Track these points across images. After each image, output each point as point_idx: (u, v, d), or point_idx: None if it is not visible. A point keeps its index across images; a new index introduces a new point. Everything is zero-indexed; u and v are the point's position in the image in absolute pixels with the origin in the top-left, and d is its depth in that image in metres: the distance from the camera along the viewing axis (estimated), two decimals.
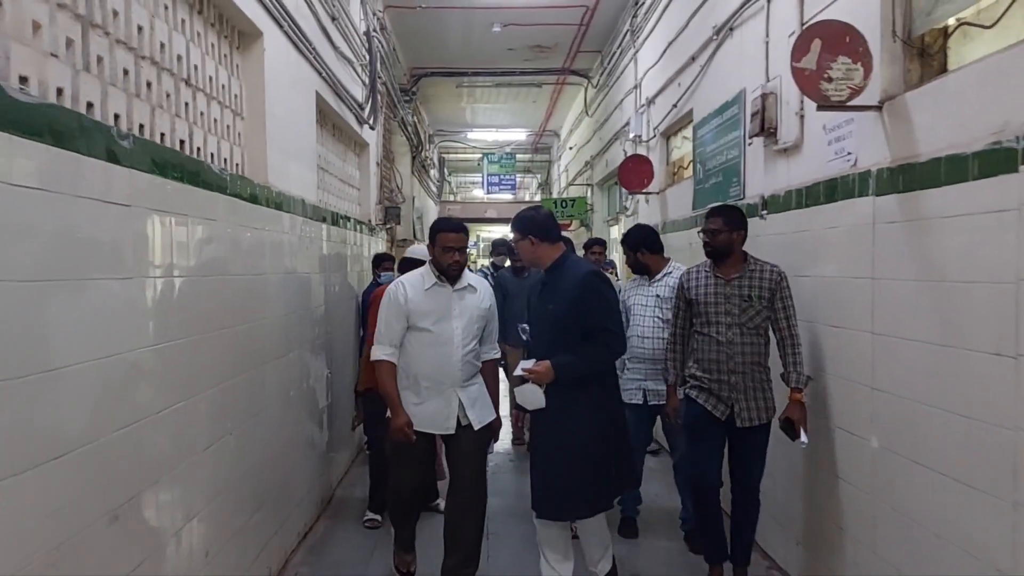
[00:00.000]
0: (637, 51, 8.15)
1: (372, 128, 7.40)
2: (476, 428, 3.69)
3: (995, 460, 2.43)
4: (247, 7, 3.67)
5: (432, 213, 16.39)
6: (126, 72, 2.67)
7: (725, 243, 3.67)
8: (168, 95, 3.01)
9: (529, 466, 3.61)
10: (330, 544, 4.59)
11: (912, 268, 2.89)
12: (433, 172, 16.92)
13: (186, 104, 3.18)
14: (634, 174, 7.12)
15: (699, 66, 5.75)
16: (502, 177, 18.79)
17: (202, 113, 3.35)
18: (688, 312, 3.84)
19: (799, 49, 3.11)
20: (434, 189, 17.30)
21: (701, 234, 3.74)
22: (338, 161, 6.49)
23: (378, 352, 3.64)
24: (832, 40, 3.10)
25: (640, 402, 4.51)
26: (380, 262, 5.77)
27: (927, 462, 2.81)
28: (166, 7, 3.00)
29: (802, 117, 3.87)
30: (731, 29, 5.02)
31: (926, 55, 3.12)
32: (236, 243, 3.44)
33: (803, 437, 3.45)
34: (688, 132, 6.42)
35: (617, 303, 3.67)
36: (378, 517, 4.88)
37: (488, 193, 19.27)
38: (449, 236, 3.62)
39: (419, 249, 4.84)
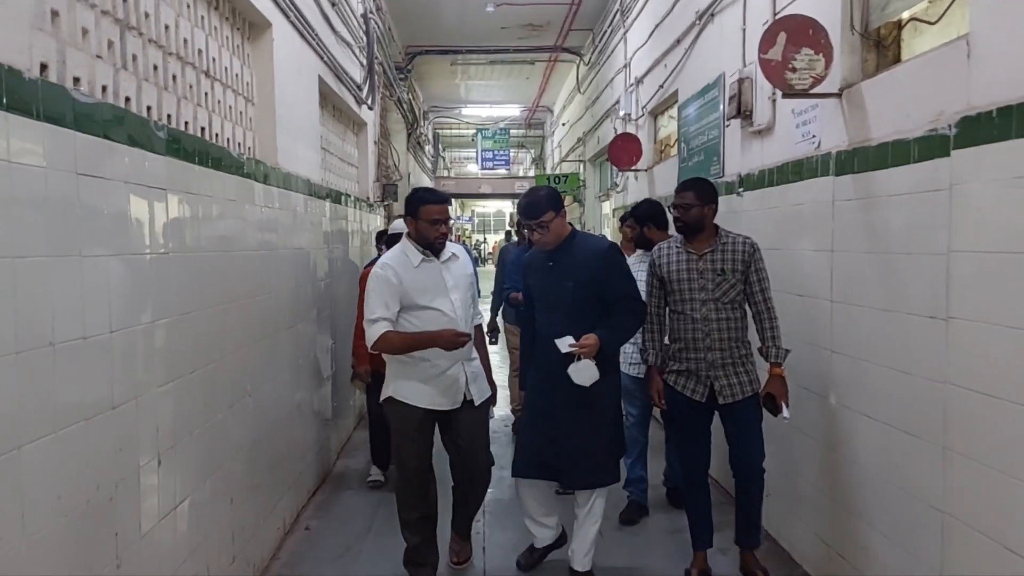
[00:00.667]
0: (627, 31, 8.41)
1: (370, 108, 7.67)
2: (477, 404, 3.64)
3: (929, 410, 2.77)
4: (257, 0, 3.94)
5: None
6: (156, 67, 2.96)
7: (697, 218, 3.59)
8: (191, 86, 3.29)
9: (523, 428, 3.81)
10: (337, 501, 4.93)
11: (864, 242, 3.22)
12: (428, 148, 17.16)
13: (205, 94, 3.47)
14: (623, 152, 7.41)
15: (683, 49, 6.03)
16: (496, 153, 19.02)
17: (219, 101, 3.64)
18: (662, 290, 3.74)
19: (766, 41, 3.41)
20: (429, 165, 17.54)
21: (672, 210, 3.71)
22: (338, 141, 6.78)
23: (376, 330, 3.36)
24: (797, 33, 3.40)
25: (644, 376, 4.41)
26: (382, 237, 6.05)
27: (875, 415, 3.16)
28: (188, 5, 3.28)
29: (774, 102, 4.18)
30: (712, 15, 5.30)
31: (882, 47, 3.43)
32: (252, 221, 3.74)
33: (785, 412, 3.44)
34: (674, 112, 6.71)
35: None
36: (380, 478, 5.15)
37: (483, 168, 19.52)
38: (434, 208, 3.46)
39: (402, 225, 4.89)
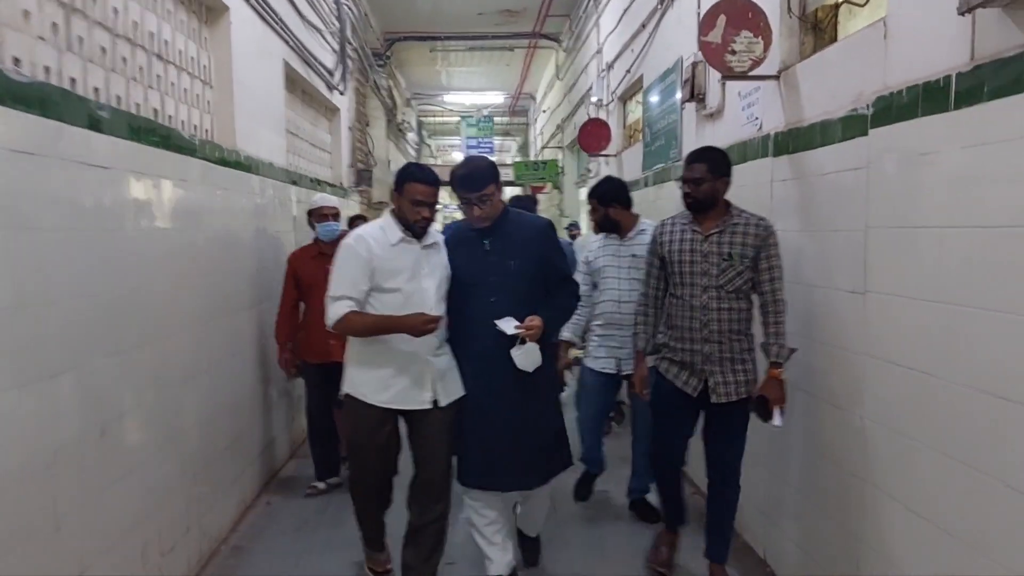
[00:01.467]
0: (599, 16, 8.47)
1: (342, 94, 7.72)
2: (444, 405, 3.18)
3: (850, 382, 2.87)
4: None
5: None
6: (104, 50, 3.02)
7: (708, 193, 3.20)
8: (141, 68, 3.36)
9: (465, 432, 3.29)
10: (300, 480, 4.98)
11: (797, 220, 3.32)
12: (411, 135, 17.18)
13: (158, 76, 3.53)
14: (593, 137, 7.49)
15: (648, 33, 6.10)
16: (480, 140, 18.97)
17: (173, 84, 3.71)
18: (663, 271, 3.40)
19: (706, 24, 3.49)
20: (412, 152, 17.56)
21: (683, 184, 3.27)
22: (308, 126, 6.83)
23: (340, 308, 3.03)
24: (736, 16, 3.48)
25: (612, 371, 4.19)
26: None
27: (806, 388, 3.26)
28: None
29: (723, 85, 4.26)
30: (672, 0, 5.38)
31: (819, 29, 3.52)
32: (207, 202, 3.81)
33: (777, 419, 3.07)
34: (641, 97, 6.79)
35: None
36: (320, 485, 4.76)
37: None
38: (419, 188, 3.09)
39: (327, 197, 4.87)
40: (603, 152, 7.58)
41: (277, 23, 5.20)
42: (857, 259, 2.80)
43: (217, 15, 4.25)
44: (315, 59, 6.44)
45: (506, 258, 3.20)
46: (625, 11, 6.98)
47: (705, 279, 3.21)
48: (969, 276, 2.20)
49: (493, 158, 21.04)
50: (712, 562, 3.50)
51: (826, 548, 3.14)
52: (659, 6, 5.66)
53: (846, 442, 2.93)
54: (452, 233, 3.37)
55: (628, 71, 6.88)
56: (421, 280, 3.14)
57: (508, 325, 3.07)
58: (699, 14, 4.71)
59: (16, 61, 2.40)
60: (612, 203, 4.20)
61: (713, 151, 3.32)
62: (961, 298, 2.23)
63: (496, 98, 18.04)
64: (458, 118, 19.07)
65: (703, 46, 3.50)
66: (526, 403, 3.21)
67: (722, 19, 3.48)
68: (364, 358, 3.18)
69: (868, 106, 2.71)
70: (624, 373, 4.14)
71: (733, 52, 3.48)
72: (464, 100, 18.12)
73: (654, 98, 5.93)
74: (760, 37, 3.47)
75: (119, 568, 2.83)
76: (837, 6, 3.43)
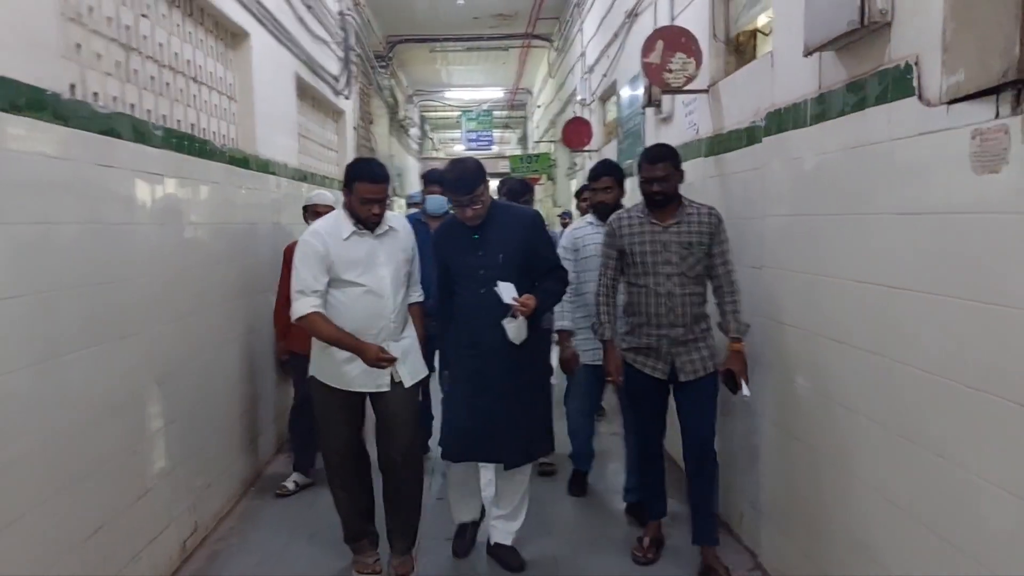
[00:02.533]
0: (583, 22, 9.17)
1: (347, 98, 8.44)
2: (408, 385, 3.40)
3: (764, 346, 3.57)
4: (236, 15, 4.72)
5: (413, 170, 17.42)
6: (152, 78, 3.75)
7: (675, 189, 3.43)
8: (181, 90, 4.09)
9: (447, 403, 3.58)
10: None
11: (722, 210, 4.03)
12: (414, 131, 17.89)
13: (194, 96, 4.26)
14: (575, 134, 8.21)
15: (619, 42, 6.81)
16: (480, 133, 19.72)
17: (205, 101, 4.44)
18: (619, 261, 3.54)
19: (647, 48, 4.20)
20: (414, 147, 18.28)
21: (647, 183, 3.41)
22: (317, 128, 7.57)
23: (303, 307, 3.20)
24: (672, 40, 4.19)
25: (600, 363, 4.02)
26: None
27: None
28: (178, 25, 4.07)
29: (672, 95, 4.97)
30: (636, 14, 6.08)
31: (740, 51, 4.22)
32: (233, 200, 4.55)
33: (744, 390, 3.33)
34: (615, 99, 7.50)
35: None
36: (289, 486, 4.63)
37: (468, 149, 20.23)
38: (367, 187, 3.22)
39: (323, 195, 4.90)
40: (585, 148, 8.29)
41: (289, 41, 5.92)
42: (758, 242, 3.51)
43: (240, 40, 4.97)
44: (322, 68, 7.16)
45: (495, 250, 3.36)
46: (603, 19, 7.69)
47: (668, 267, 3.38)
48: (816, 252, 2.92)
49: (493, 149, 21.73)
50: (703, 546, 3.54)
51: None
52: (626, 20, 6.37)
53: (772, 397, 3.59)
54: (444, 229, 3.57)
55: (605, 74, 7.59)
56: (377, 269, 3.28)
57: (507, 292, 3.22)
58: (656, 24, 5.44)
59: (95, 95, 3.13)
60: (621, 184, 4.23)
61: (669, 148, 3.49)
62: (814, 268, 2.95)
63: (495, 93, 18.74)
64: (459, 113, 19.77)
65: (645, 66, 4.21)
66: (516, 390, 3.40)
67: (660, 43, 4.19)
68: (325, 345, 3.32)
69: (762, 120, 3.42)
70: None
71: (670, 71, 4.19)
72: (464, 96, 18.83)
73: (624, 100, 6.64)
74: (692, 58, 4.17)
75: (179, 489, 3.58)
76: (754, 32, 4.14)
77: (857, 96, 2.58)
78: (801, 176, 3.05)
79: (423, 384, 4.01)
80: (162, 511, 3.52)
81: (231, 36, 4.91)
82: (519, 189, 4.94)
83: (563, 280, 3.59)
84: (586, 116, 8.84)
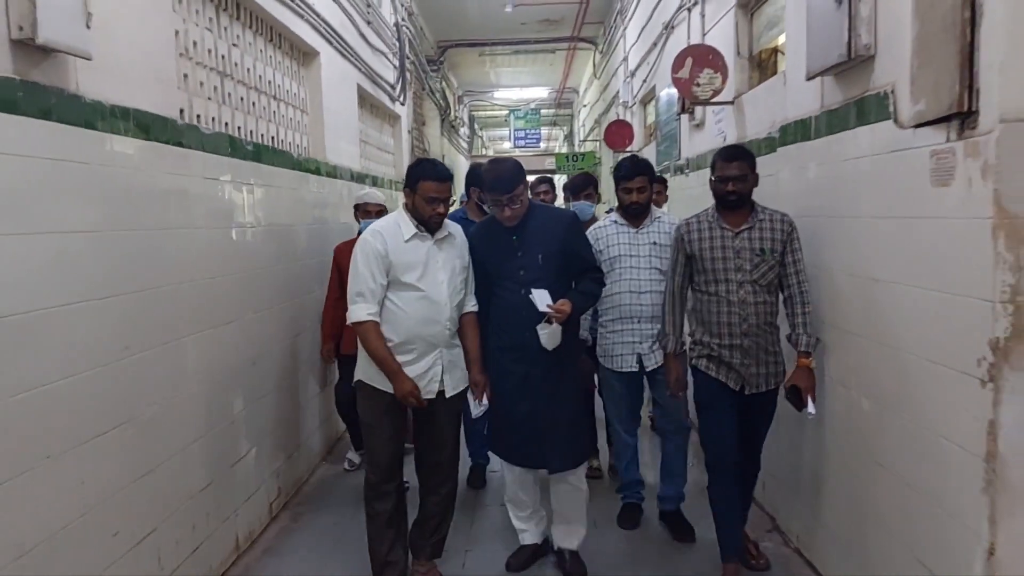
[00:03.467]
0: (625, 28, 9.59)
1: (402, 104, 9.01)
2: (449, 396, 3.35)
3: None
4: (308, 36, 5.29)
5: (463, 168, 18.00)
6: (242, 99, 4.32)
7: (750, 189, 3.32)
8: (264, 108, 4.66)
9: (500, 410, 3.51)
10: None
11: None
12: (463, 130, 18.47)
13: (273, 111, 4.84)
14: (617, 136, 8.65)
15: (657, 50, 7.24)
16: (528, 131, 20.21)
17: (283, 115, 5.01)
18: (688, 267, 3.42)
19: (677, 64, 4.65)
20: (464, 145, 18.86)
21: (721, 182, 3.29)
22: (375, 133, 8.15)
23: (360, 312, 3.16)
24: (700, 57, 4.63)
25: (635, 369, 3.90)
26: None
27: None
28: (261, 50, 4.64)
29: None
30: (673, 27, 6.51)
31: (762, 67, 4.64)
32: (306, 202, 5.12)
33: (810, 407, 3.13)
34: (655, 103, 7.92)
35: None
36: (357, 460, 5.04)
37: (515, 146, 20.75)
38: (432, 186, 3.19)
39: (373, 194, 5.07)
40: (627, 149, 8.72)
41: (352, 56, 6.48)
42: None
43: (311, 59, 5.54)
44: (380, 77, 7.73)
45: (535, 250, 3.37)
46: (643, 28, 8.11)
47: (740, 275, 3.25)
48: (814, 248, 3.35)
49: (541, 147, 22.17)
50: (726, 560, 3.41)
51: None
52: (664, 31, 6.79)
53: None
54: (482, 229, 3.55)
55: (644, 80, 8.01)
56: (436, 274, 3.25)
57: (541, 300, 3.21)
58: (689, 41, 5.87)
59: (198, 118, 3.71)
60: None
61: (745, 148, 3.41)
62: (813, 262, 3.37)
63: (542, 92, 19.23)
64: (507, 112, 20.29)
65: (675, 81, 4.67)
66: (554, 392, 3.40)
67: (689, 60, 4.64)
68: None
69: (776, 131, 3.85)
70: (649, 369, 3.89)
71: (698, 85, 4.64)
72: (512, 95, 19.35)
73: (663, 106, 7.07)
74: (719, 73, 4.61)
75: (266, 457, 4.15)
76: (775, 50, 4.56)
77: (849, 116, 3.01)
78: (806, 183, 3.48)
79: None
80: (253, 475, 4.07)
81: (303, 55, 5.49)
82: (581, 183, 4.86)
83: (599, 282, 3.56)
84: (628, 118, 9.28)
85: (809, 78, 3.21)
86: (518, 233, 3.39)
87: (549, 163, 19.97)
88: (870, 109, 2.82)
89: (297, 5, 4.95)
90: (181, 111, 3.49)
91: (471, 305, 3.47)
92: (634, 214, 3.90)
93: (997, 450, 2.18)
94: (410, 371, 3.20)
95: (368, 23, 7.20)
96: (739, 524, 3.49)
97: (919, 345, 2.56)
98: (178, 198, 3.30)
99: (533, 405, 3.39)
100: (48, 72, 2.39)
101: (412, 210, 3.27)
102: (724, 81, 4.60)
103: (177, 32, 3.48)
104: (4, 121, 2.20)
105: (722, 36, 4.82)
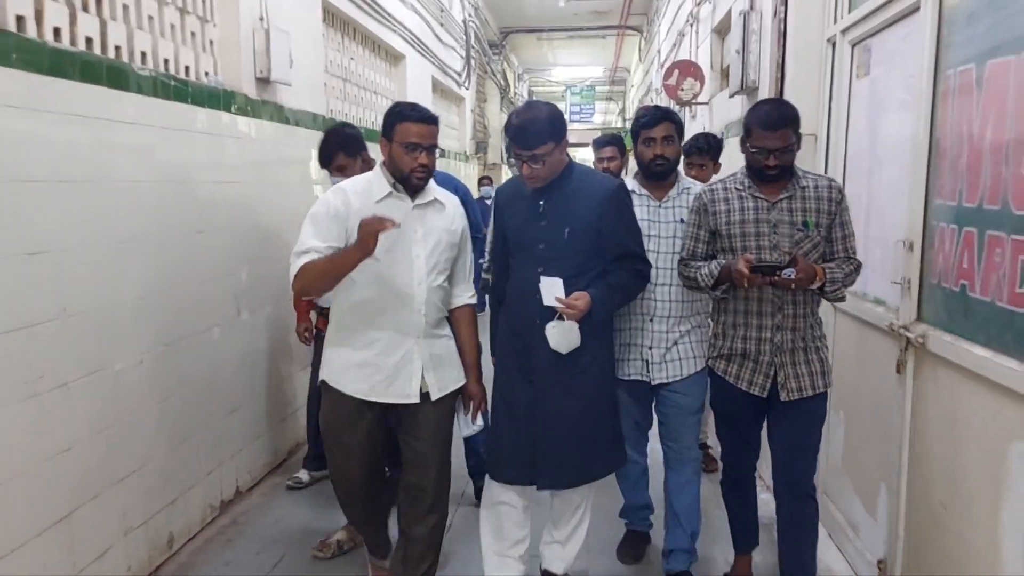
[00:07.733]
0: (660, 23, 11.19)
1: (467, 89, 10.82)
2: (435, 398, 2.63)
3: None
4: (398, 45, 7.11)
5: None
6: (352, 95, 6.17)
7: (792, 161, 2.62)
8: (363, 100, 6.50)
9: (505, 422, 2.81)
10: None
11: None
12: None
13: (374, 103, 6.68)
14: None
15: (677, 48, 8.88)
16: (583, 107, 21.80)
17: (380, 106, 6.85)
18: (711, 245, 2.77)
19: (666, 74, 6.34)
20: None
21: (756, 154, 2.58)
22: (444, 114, 10.00)
23: (300, 264, 2.45)
24: (684, 69, 6.31)
25: (641, 377, 3.03)
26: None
27: None
28: (367, 59, 6.48)
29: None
30: (682, 35, 8.15)
31: (727, 76, 6.30)
32: None
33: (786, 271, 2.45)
34: None
35: None
36: (303, 478, 4.05)
37: (571, 121, 22.38)
38: (413, 128, 2.48)
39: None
40: None
41: (429, 54, 8.30)
42: None
43: (398, 60, 7.38)
44: (450, 68, 9.54)
45: (559, 223, 2.69)
46: (670, 26, 9.73)
47: (776, 253, 2.60)
48: None
49: (596, 120, 23.72)
50: None
51: None
52: (680, 34, 8.44)
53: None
54: (507, 189, 2.94)
55: None
56: (410, 247, 2.54)
57: (550, 290, 2.59)
58: (690, 52, 7.54)
59: (331, 112, 5.55)
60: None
61: (790, 109, 2.62)
62: None
63: (596, 72, 20.82)
64: (563, 88, 21.94)
65: (664, 86, 6.36)
66: (568, 391, 2.70)
67: (676, 71, 6.32)
68: (342, 337, 2.63)
69: (724, 129, 5.53)
70: (656, 382, 3.02)
71: (682, 90, 6.32)
72: (568, 73, 21.01)
73: None
74: (698, 81, 6.29)
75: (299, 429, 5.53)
76: None
77: None
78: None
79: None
80: (288, 443, 4.50)
81: (393, 58, 7.33)
82: (703, 145, 4.16)
83: (641, 275, 2.78)
84: (660, 103, 10.92)
85: (731, 96, 4.91)
86: (546, 198, 2.71)
87: (598, 133, 21.60)
88: None
89: (390, 21, 6.78)
90: (330, 111, 5.37)
91: (467, 296, 2.80)
92: (658, 175, 3.00)
93: None
94: (378, 364, 2.56)
95: (441, 24, 9.00)
96: (754, 520, 3.05)
97: None
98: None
99: (539, 405, 2.72)
100: (270, 93, 4.26)
101: (390, 165, 2.57)
102: (702, 88, 6.26)
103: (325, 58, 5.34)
104: (253, 123, 4.06)
105: (704, 52, 6.47)
